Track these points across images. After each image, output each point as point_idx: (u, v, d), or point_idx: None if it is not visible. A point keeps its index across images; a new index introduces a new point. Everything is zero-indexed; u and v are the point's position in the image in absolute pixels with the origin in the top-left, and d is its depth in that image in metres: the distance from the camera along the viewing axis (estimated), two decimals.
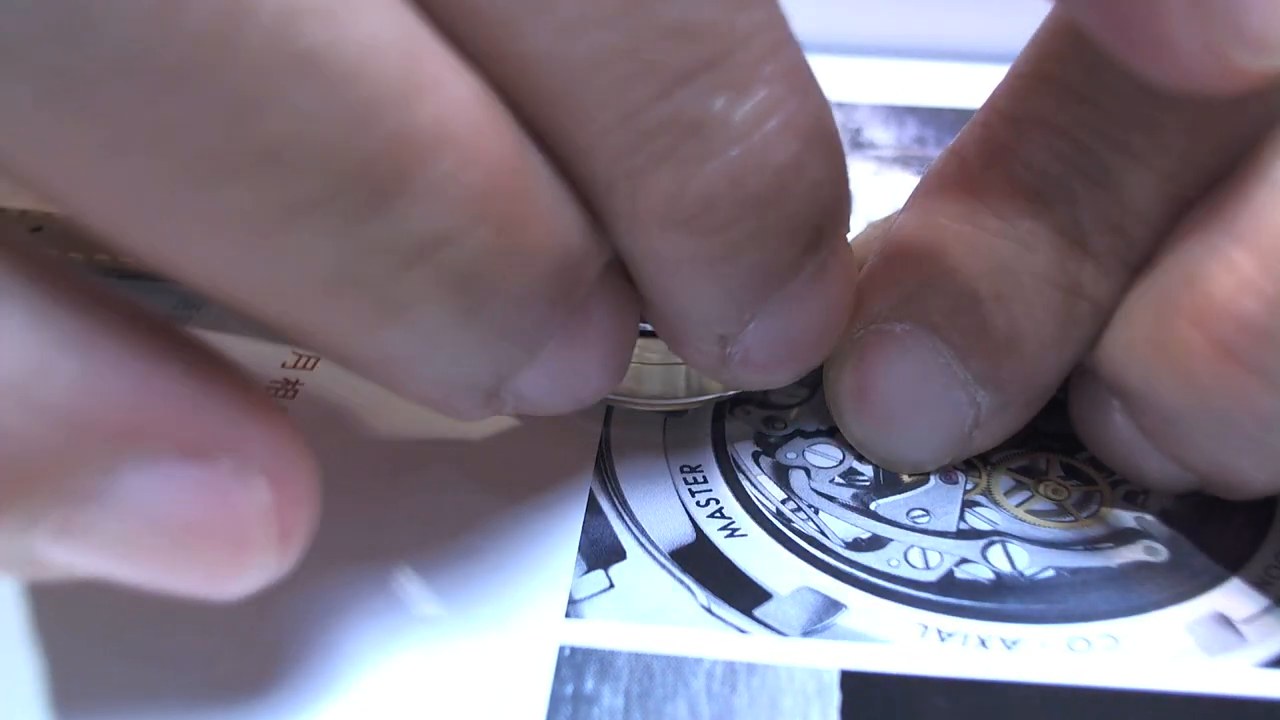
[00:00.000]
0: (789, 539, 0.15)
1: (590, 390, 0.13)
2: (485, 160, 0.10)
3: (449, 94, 0.10)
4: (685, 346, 0.14)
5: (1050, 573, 0.15)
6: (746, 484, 0.16)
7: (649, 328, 0.16)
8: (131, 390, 0.10)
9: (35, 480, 0.10)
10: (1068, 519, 0.15)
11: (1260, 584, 0.14)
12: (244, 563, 0.11)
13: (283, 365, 0.18)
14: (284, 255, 0.10)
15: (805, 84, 0.12)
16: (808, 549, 0.15)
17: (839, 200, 0.12)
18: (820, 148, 0.12)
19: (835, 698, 0.13)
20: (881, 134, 0.27)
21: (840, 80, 0.29)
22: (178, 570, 0.11)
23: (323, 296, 0.10)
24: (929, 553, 0.15)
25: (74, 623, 0.14)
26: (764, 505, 0.16)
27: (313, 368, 0.18)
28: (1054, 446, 0.17)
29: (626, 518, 0.15)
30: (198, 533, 0.10)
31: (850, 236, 0.19)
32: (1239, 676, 0.13)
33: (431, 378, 0.12)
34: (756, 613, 0.14)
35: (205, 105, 0.09)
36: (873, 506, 0.16)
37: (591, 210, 0.12)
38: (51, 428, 0.09)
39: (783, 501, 0.16)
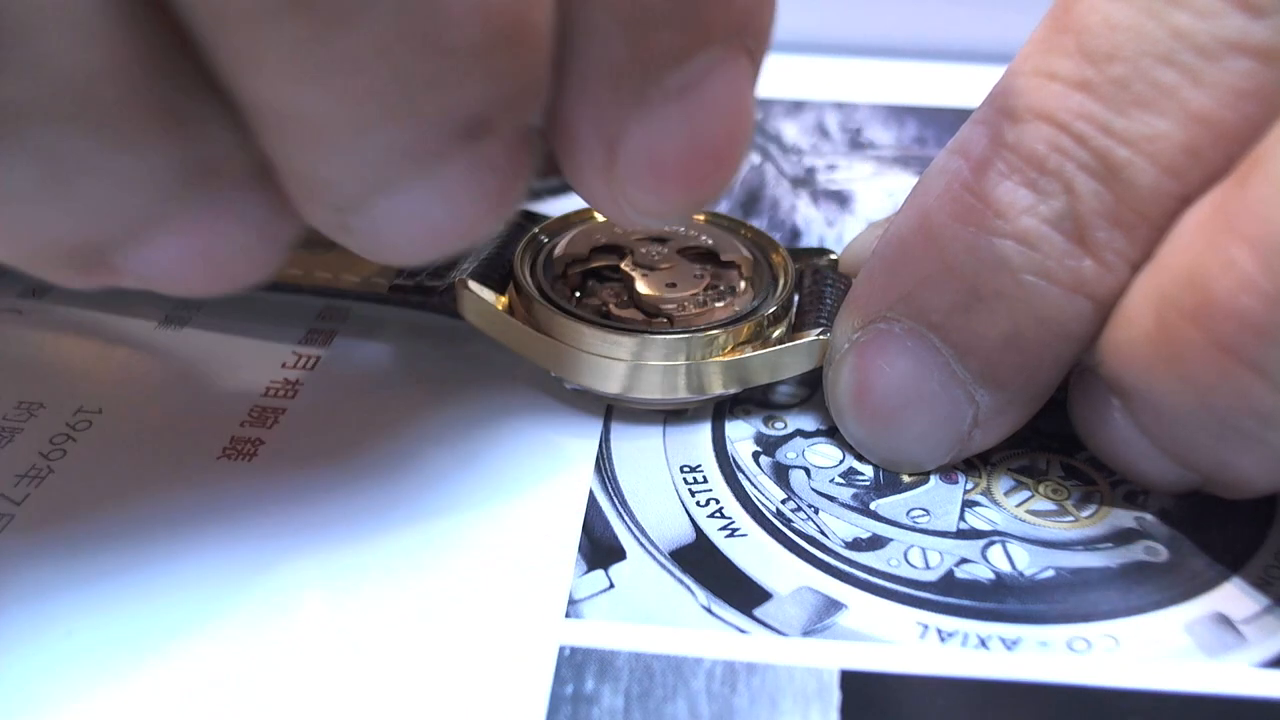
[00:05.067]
0: (789, 539, 0.15)
1: (230, 277, 0.12)
2: (99, 45, 0.09)
3: None
4: (304, 209, 0.12)
5: (1050, 573, 0.15)
6: (746, 484, 0.16)
7: (654, 330, 0.16)
8: None
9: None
10: (1068, 519, 0.15)
11: (1260, 584, 0.14)
12: (737, 159, 0.12)
13: (283, 365, 0.18)
14: None
15: None
16: (808, 549, 0.15)
17: (524, 92, 0.11)
18: (507, 23, 0.10)
19: (835, 698, 0.13)
20: (881, 134, 0.27)
21: (840, 80, 0.29)
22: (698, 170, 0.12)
23: None
24: (929, 553, 0.15)
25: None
26: (764, 505, 0.16)
27: (313, 368, 0.18)
28: (1054, 446, 0.17)
29: (626, 518, 0.15)
30: (737, 126, 0.12)
31: (851, 237, 0.19)
32: (1238, 676, 0.13)
33: (5, 229, 0.11)
34: (756, 613, 0.14)
35: None
36: (873, 506, 0.16)
37: (213, 62, 0.10)
38: None
39: (783, 501, 0.16)
